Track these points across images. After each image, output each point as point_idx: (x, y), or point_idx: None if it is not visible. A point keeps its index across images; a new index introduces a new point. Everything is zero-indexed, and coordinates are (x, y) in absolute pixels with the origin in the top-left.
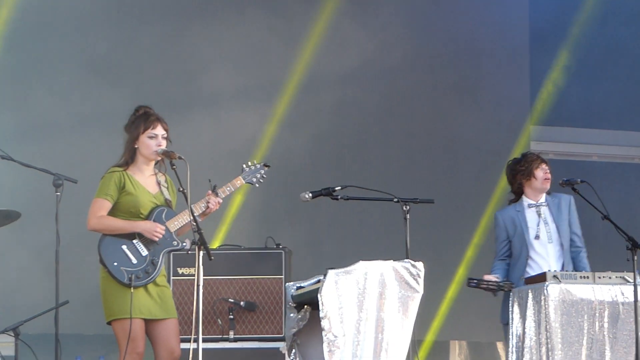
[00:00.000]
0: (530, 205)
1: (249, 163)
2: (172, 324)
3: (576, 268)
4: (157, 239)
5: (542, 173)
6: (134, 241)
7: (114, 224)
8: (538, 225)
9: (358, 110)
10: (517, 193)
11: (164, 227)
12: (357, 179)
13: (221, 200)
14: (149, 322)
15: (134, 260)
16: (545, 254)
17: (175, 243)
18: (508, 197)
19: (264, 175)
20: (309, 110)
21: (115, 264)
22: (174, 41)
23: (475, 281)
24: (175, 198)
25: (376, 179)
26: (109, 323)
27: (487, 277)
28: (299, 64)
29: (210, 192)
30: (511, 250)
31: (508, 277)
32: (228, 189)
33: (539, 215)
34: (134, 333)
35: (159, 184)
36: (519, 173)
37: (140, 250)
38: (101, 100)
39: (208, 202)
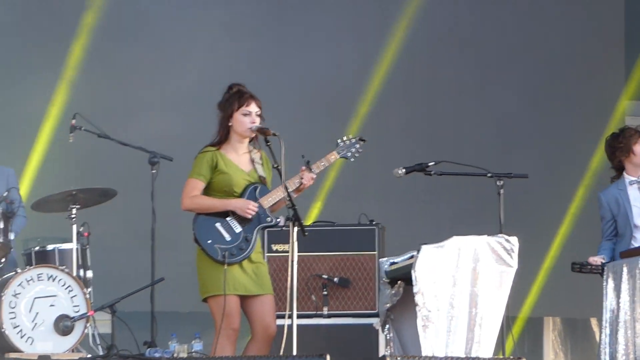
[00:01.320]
0: (632, 183)
1: (344, 138)
2: (268, 300)
3: None
4: (249, 216)
5: None
6: (228, 219)
7: (207, 203)
8: None
9: (452, 85)
10: (618, 169)
11: (256, 205)
12: (451, 154)
13: (315, 176)
14: (244, 299)
15: (228, 238)
16: None
17: (269, 219)
18: (609, 174)
19: (360, 150)
20: (403, 86)
21: (209, 241)
22: (262, 21)
23: (578, 265)
24: (271, 175)
25: (470, 154)
26: (205, 300)
27: (592, 260)
28: (392, 40)
29: (304, 167)
30: (617, 229)
31: (614, 257)
32: (322, 164)
33: None
34: (229, 309)
35: (252, 161)
36: (618, 150)
37: (234, 227)
38: (196, 78)
39: (302, 178)
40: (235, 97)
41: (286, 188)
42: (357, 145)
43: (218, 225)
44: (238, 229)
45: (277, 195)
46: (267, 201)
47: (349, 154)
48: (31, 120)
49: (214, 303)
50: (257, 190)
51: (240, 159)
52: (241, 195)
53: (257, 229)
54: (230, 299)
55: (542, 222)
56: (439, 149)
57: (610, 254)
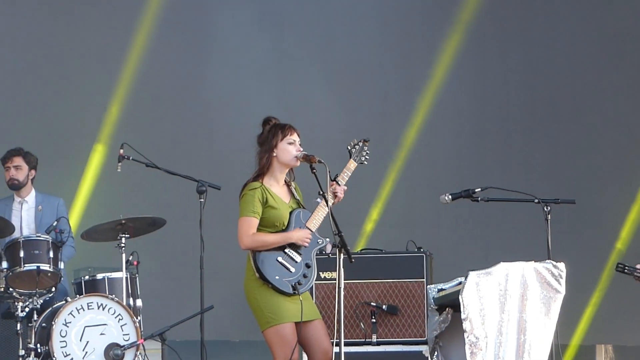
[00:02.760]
0: None
1: (352, 143)
2: (321, 324)
3: None
4: (307, 245)
5: None
6: (286, 250)
7: (268, 239)
8: None
9: (500, 111)
10: None
11: (310, 232)
12: (499, 180)
13: (346, 187)
14: (298, 326)
15: (292, 269)
16: None
17: (320, 241)
18: None
19: (368, 151)
20: (450, 112)
21: (277, 277)
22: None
23: (622, 266)
24: (302, 197)
25: (519, 179)
26: (263, 332)
27: None
28: (439, 66)
29: (332, 182)
30: None
31: None
32: (345, 174)
33: None
34: (291, 339)
35: (289, 188)
36: None
37: (294, 257)
38: (247, 104)
39: (335, 192)
40: (278, 128)
41: (333, 216)
42: (365, 148)
43: (280, 259)
44: (298, 258)
45: (319, 216)
46: (313, 224)
47: (363, 158)
48: (80, 151)
49: (273, 333)
50: (301, 215)
51: (282, 190)
52: (288, 224)
53: (313, 253)
54: (292, 328)
55: (592, 248)
56: (487, 174)
57: None
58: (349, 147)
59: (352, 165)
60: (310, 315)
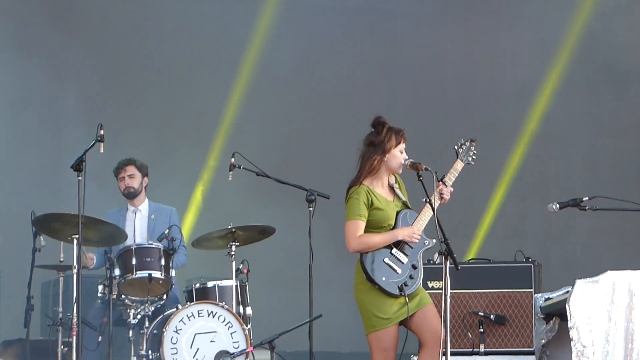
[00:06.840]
0: None
1: (459, 143)
2: (429, 308)
3: None
4: (416, 242)
5: None
6: (393, 251)
7: (375, 240)
8: None
9: (613, 120)
10: None
11: (417, 228)
12: (612, 191)
13: (452, 189)
14: (406, 320)
15: (399, 270)
16: None
17: (426, 242)
18: None
19: (475, 152)
20: (562, 123)
21: (384, 278)
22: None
23: None
24: (407, 195)
25: (632, 190)
26: (367, 335)
27: None
28: (548, 80)
29: (439, 182)
30: None
31: None
32: (453, 175)
33: None
34: (392, 343)
35: (392, 187)
36: None
37: (400, 259)
38: (350, 113)
39: (442, 193)
40: (392, 133)
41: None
42: (472, 147)
43: (386, 259)
44: (404, 259)
45: (425, 217)
46: (419, 225)
47: (470, 159)
48: (193, 161)
49: (375, 338)
50: (408, 216)
51: (385, 191)
52: (395, 225)
53: (419, 254)
54: (394, 332)
55: None
56: (600, 183)
57: None
58: (455, 147)
59: (459, 165)
60: (422, 303)
